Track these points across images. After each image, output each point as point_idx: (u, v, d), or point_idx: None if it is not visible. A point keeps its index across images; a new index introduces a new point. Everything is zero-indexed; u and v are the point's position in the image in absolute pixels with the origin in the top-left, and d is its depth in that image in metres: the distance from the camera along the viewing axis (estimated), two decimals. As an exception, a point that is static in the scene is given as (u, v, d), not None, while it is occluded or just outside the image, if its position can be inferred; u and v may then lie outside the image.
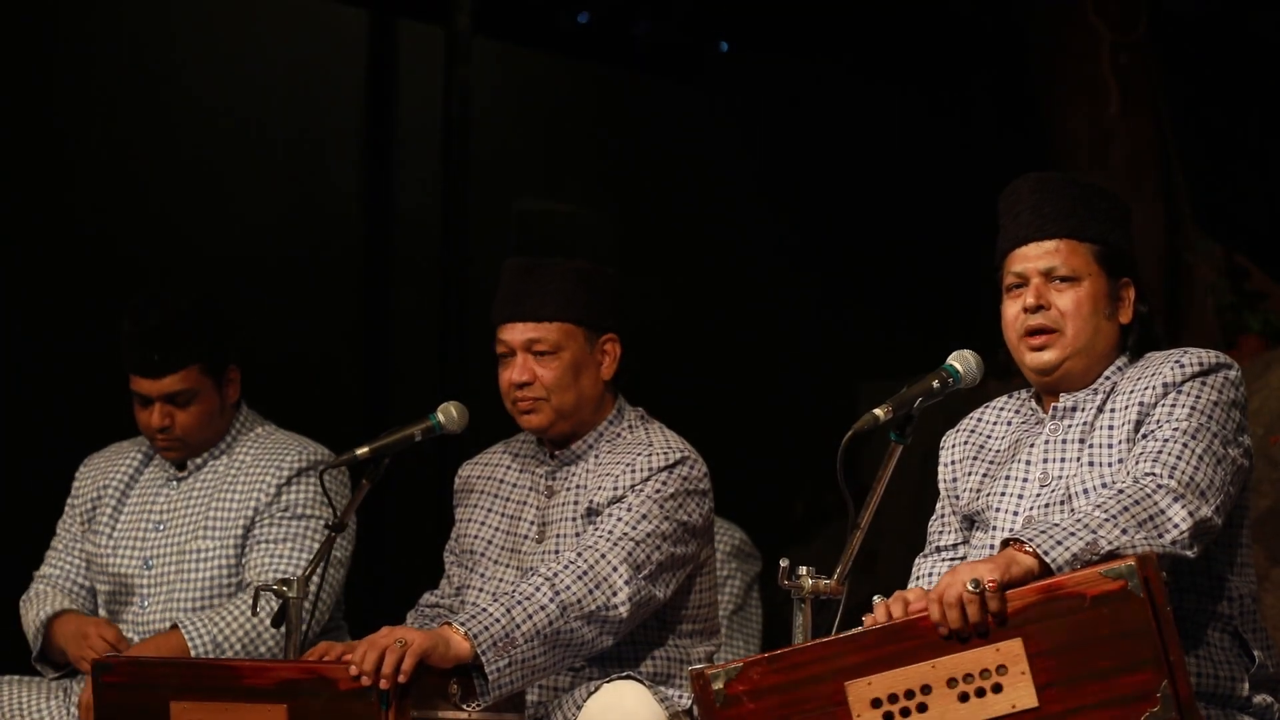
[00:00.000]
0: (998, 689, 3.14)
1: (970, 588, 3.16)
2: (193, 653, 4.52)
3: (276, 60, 7.41)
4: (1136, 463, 3.47)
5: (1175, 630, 3.13)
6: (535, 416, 4.23)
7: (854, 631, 3.25)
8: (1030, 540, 3.25)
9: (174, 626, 4.58)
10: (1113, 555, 3.22)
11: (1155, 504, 3.34)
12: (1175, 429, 3.49)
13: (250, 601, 4.52)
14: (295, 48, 7.50)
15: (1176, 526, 3.33)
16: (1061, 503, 3.60)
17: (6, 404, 6.51)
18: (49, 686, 4.69)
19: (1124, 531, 3.27)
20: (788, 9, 8.64)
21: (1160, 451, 3.45)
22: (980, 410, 3.90)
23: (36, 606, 4.78)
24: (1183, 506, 3.35)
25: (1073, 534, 3.25)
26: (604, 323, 4.27)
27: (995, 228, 3.77)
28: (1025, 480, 3.68)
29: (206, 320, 4.75)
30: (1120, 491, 3.36)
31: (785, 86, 8.81)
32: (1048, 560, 3.22)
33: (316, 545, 4.63)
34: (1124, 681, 3.10)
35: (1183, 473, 3.40)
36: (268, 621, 4.43)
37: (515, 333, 4.24)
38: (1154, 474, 3.40)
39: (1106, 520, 3.28)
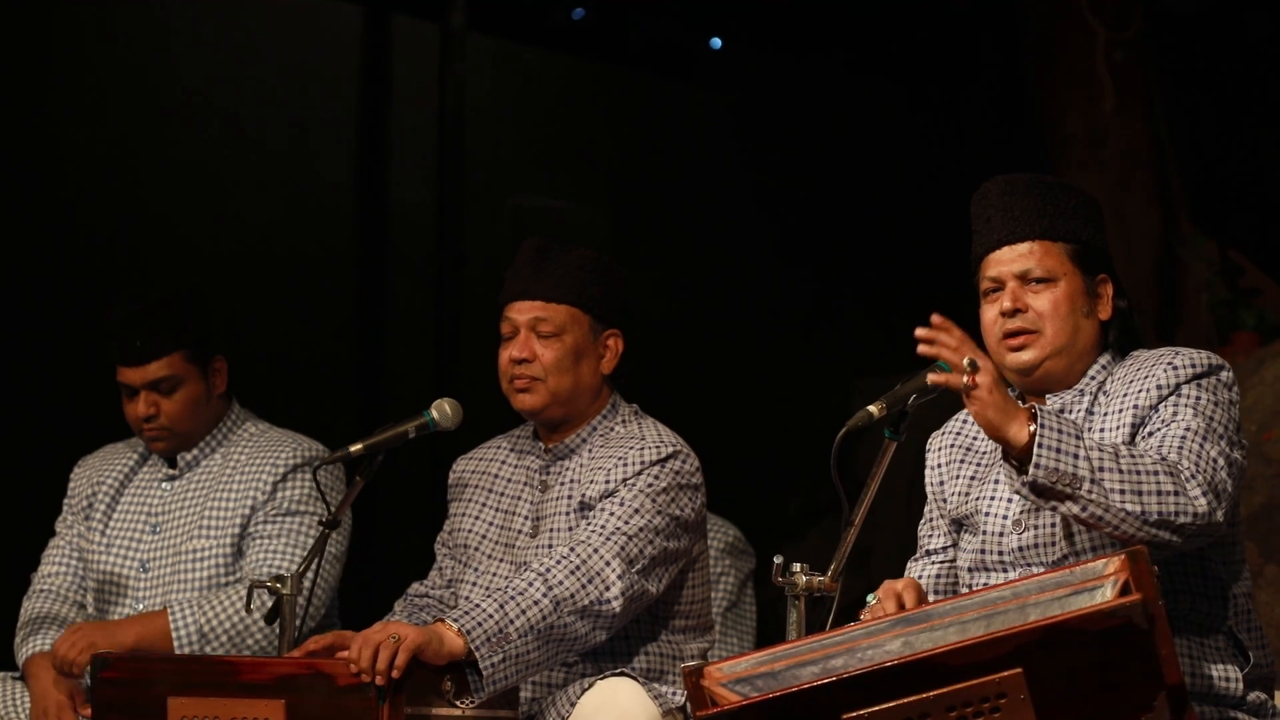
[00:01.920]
0: (996, 711, 3.14)
1: (967, 365, 3.27)
2: (175, 641, 4.52)
3: (271, 56, 7.41)
4: (1162, 445, 3.46)
5: (1168, 627, 3.13)
6: (530, 396, 4.24)
7: (850, 676, 3.21)
8: (1043, 423, 3.27)
9: (165, 608, 4.58)
10: (1080, 499, 3.24)
11: (1182, 486, 3.33)
12: (1188, 428, 3.47)
13: (242, 595, 4.53)
14: (290, 43, 7.49)
15: (1195, 516, 3.33)
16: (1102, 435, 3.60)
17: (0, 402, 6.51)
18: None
19: (1122, 494, 3.28)
20: (782, 5, 8.64)
21: (1182, 445, 3.44)
22: (965, 412, 3.89)
23: (29, 629, 4.74)
24: (1206, 503, 3.35)
25: (1075, 454, 3.27)
26: (610, 316, 4.29)
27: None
28: (1014, 482, 3.68)
29: (189, 309, 4.76)
30: (1162, 459, 3.37)
31: (779, 82, 8.81)
32: (1036, 457, 3.26)
33: (310, 541, 4.63)
34: (1121, 694, 3.10)
35: (1205, 471, 3.39)
36: (260, 618, 4.43)
37: (522, 311, 4.25)
38: (1181, 465, 3.40)
39: (1115, 471, 3.29)
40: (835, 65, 8.88)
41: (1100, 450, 3.30)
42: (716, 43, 8.74)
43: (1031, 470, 3.26)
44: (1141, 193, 8.19)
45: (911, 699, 3.15)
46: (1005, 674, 3.13)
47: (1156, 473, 3.32)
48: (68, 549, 4.86)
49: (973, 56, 8.93)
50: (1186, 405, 3.52)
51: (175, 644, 4.53)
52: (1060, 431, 3.28)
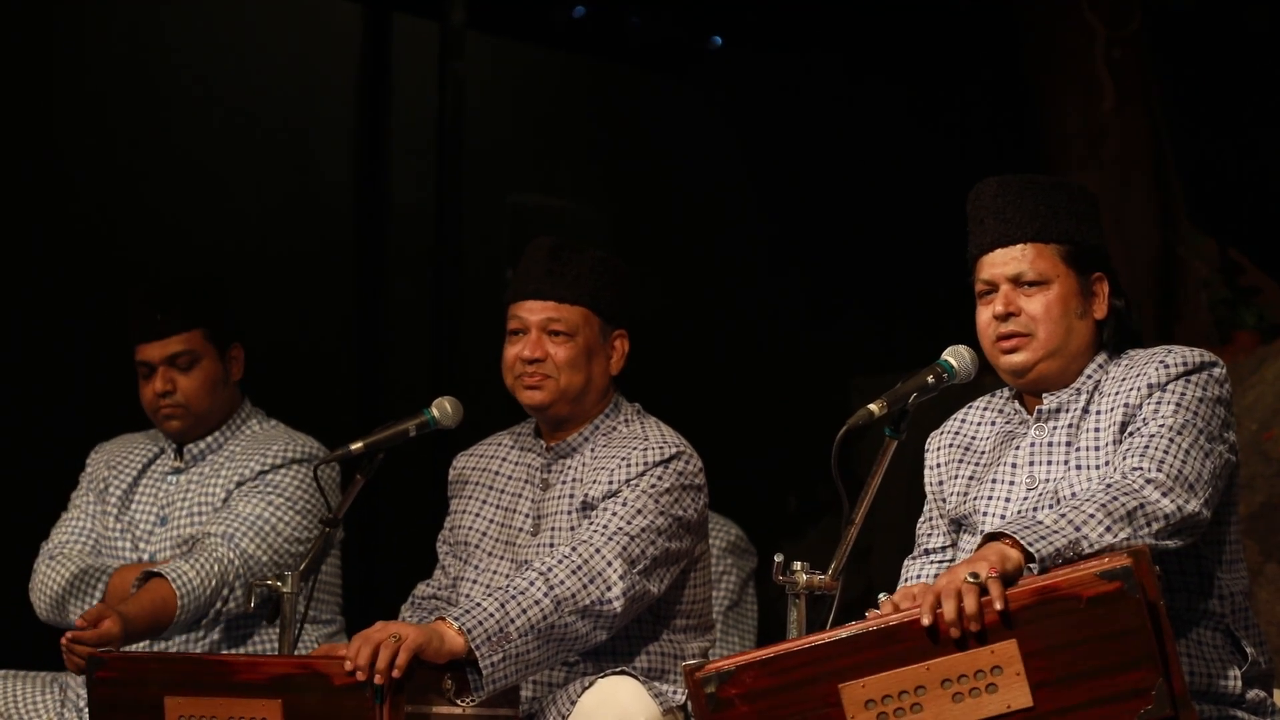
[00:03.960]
0: (992, 689, 3.14)
1: (969, 579, 3.16)
2: (179, 599, 4.48)
3: (271, 54, 7.41)
4: (1124, 458, 3.46)
5: (1169, 625, 3.13)
6: (539, 393, 4.23)
7: (847, 634, 3.23)
8: (1016, 534, 3.24)
9: (150, 577, 4.54)
10: (1095, 554, 3.23)
11: (1143, 497, 3.33)
12: (1162, 425, 3.48)
13: (194, 555, 4.52)
14: (290, 41, 7.49)
15: (1165, 517, 3.33)
16: (1050, 507, 3.59)
17: (1, 398, 6.51)
18: (43, 680, 4.69)
19: (1107, 529, 3.27)
20: (782, 4, 8.64)
21: (1147, 446, 3.44)
22: (963, 411, 3.89)
23: (75, 564, 4.73)
24: (1171, 501, 3.35)
25: (1056, 531, 3.25)
26: (618, 317, 4.29)
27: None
28: (1012, 483, 3.68)
29: (211, 290, 4.81)
30: (1108, 486, 3.36)
31: (779, 81, 8.81)
32: (1032, 552, 3.22)
33: (262, 520, 4.62)
34: (1119, 679, 3.10)
35: (1170, 466, 3.40)
36: (254, 611, 4.44)
37: (534, 311, 4.24)
38: (1141, 468, 3.40)
39: (1090, 517, 3.27)
40: (835, 64, 8.88)
41: (1062, 514, 3.29)
42: (717, 41, 8.74)
43: (1038, 569, 3.23)
44: (1141, 191, 8.19)
45: (907, 668, 3.16)
46: (999, 643, 3.13)
47: (1114, 499, 3.31)
48: (85, 520, 4.86)
49: (972, 55, 8.93)
50: (1169, 402, 3.52)
51: (178, 602, 4.49)
52: (1028, 526, 3.26)
